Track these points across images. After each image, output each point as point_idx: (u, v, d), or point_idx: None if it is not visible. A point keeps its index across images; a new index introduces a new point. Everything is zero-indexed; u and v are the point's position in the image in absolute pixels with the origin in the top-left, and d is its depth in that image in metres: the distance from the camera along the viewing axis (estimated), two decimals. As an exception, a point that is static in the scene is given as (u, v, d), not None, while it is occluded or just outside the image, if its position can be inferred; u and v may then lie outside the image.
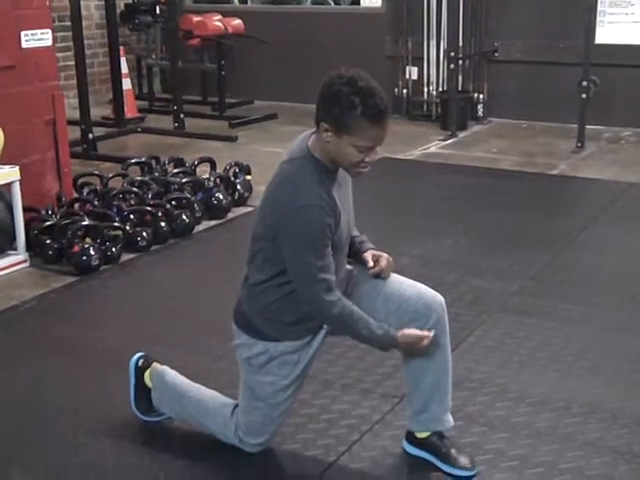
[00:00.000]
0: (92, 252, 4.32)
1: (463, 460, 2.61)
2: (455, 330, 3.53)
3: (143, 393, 2.83)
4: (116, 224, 4.63)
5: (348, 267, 2.60)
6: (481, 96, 8.08)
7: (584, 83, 6.69)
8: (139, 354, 2.90)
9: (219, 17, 8.68)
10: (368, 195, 5.71)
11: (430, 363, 2.55)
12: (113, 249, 4.44)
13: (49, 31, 4.91)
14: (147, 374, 2.84)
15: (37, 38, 4.83)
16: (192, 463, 2.68)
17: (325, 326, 2.54)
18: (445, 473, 2.60)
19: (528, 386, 3.11)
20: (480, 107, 8.08)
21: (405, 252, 4.50)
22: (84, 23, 7.14)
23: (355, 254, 2.60)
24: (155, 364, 2.86)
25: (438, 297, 2.55)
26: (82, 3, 7.05)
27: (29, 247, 4.48)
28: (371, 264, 2.55)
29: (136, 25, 8.73)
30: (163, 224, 4.76)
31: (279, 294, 2.46)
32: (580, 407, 2.95)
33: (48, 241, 4.46)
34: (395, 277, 2.59)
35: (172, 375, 2.80)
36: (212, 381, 2.90)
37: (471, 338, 3.51)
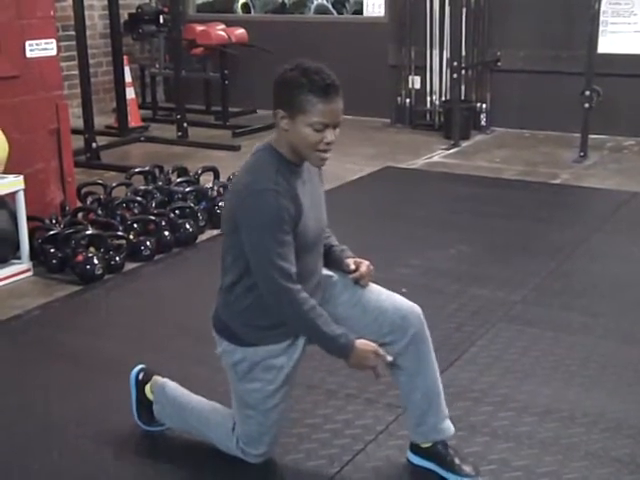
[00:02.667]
0: (96, 261, 4.32)
1: (467, 468, 2.61)
2: (458, 340, 3.58)
3: (145, 405, 2.83)
4: (120, 233, 4.64)
5: (328, 273, 2.60)
6: (484, 105, 8.09)
7: (587, 92, 6.70)
8: (139, 367, 2.90)
9: (222, 26, 8.72)
10: (370, 204, 5.73)
11: (418, 376, 2.56)
12: (117, 258, 4.45)
13: (53, 41, 4.93)
14: (148, 387, 2.83)
15: (41, 48, 4.84)
16: (195, 473, 2.68)
17: None
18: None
19: (531, 396, 3.11)
20: (483, 116, 8.09)
21: (407, 261, 4.50)
22: (88, 33, 7.18)
23: (335, 262, 2.61)
24: (155, 377, 2.85)
25: (415, 309, 2.56)
26: (86, 13, 7.09)
27: (33, 256, 4.48)
28: (353, 267, 2.56)
29: (140, 34, 8.76)
30: (167, 233, 4.77)
31: (251, 298, 2.45)
32: (584, 417, 2.95)
33: (52, 250, 4.47)
34: (374, 288, 2.60)
35: (173, 388, 2.80)
36: (214, 391, 2.89)
37: (474, 348, 3.51)
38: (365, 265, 2.58)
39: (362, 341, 2.41)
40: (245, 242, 2.36)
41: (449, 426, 2.64)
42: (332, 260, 2.61)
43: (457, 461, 2.61)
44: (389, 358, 2.44)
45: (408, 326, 2.51)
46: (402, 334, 2.50)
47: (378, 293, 2.58)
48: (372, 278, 2.59)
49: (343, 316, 2.53)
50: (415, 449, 2.68)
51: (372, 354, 2.41)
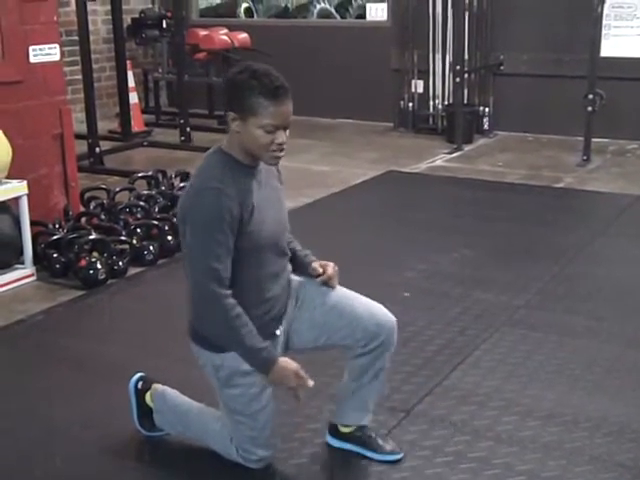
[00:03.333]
0: (99, 266, 4.33)
1: (389, 446, 2.72)
2: (461, 344, 3.57)
3: (146, 413, 2.83)
4: (123, 238, 4.64)
5: (299, 279, 2.63)
6: (487, 109, 8.09)
7: (590, 96, 6.70)
8: (137, 376, 2.89)
9: (225, 31, 8.73)
10: (374, 208, 5.73)
11: (370, 370, 2.62)
12: (120, 263, 4.45)
13: (57, 46, 4.94)
14: (148, 396, 2.83)
15: (45, 53, 4.85)
16: (197, 478, 2.67)
17: (278, 332, 2.55)
18: (373, 460, 2.70)
19: (535, 400, 3.10)
20: (486, 120, 8.09)
21: (411, 265, 4.50)
22: (91, 37, 7.18)
23: (300, 266, 2.63)
24: (155, 385, 2.85)
25: (390, 316, 2.60)
26: (89, 18, 7.09)
27: (36, 261, 4.49)
28: (320, 271, 2.59)
29: (143, 39, 8.78)
30: (170, 238, 4.77)
31: None
32: (587, 421, 2.94)
33: (55, 255, 4.47)
34: (350, 294, 2.63)
35: (173, 396, 2.80)
36: (216, 397, 2.89)
37: (477, 352, 3.50)
38: (331, 267, 2.61)
39: (285, 359, 2.43)
40: (185, 239, 2.39)
41: (370, 417, 2.74)
42: (297, 265, 2.64)
43: (379, 441, 2.71)
44: (310, 383, 2.42)
45: (380, 332, 2.56)
46: (372, 339, 2.55)
47: (354, 299, 2.61)
48: (338, 278, 2.63)
49: (319, 320, 2.58)
50: (334, 433, 2.76)
51: (292, 374, 2.41)
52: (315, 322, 2.58)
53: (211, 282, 2.34)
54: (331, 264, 2.63)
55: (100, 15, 8.94)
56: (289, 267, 2.61)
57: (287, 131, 2.38)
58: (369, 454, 2.72)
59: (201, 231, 2.34)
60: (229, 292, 2.38)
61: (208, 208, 2.33)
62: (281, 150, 2.38)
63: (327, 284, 2.60)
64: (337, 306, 2.57)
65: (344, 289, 2.64)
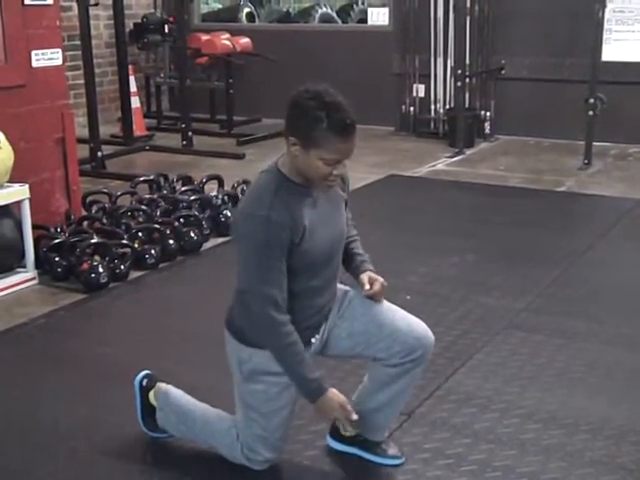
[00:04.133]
0: (101, 269, 4.34)
1: (392, 450, 2.72)
2: (462, 347, 3.58)
3: (149, 412, 2.83)
4: (124, 242, 4.65)
5: (344, 288, 2.63)
6: (488, 113, 8.10)
7: (591, 100, 6.71)
8: (143, 373, 2.90)
9: (227, 36, 8.75)
10: (375, 212, 5.73)
11: (398, 383, 2.58)
12: (122, 266, 4.46)
13: (59, 50, 4.95)
14: (152, 394, 2.83)
15: (47, 57, 4.87)
16: (200, 480, 2.69)
17: (314, 340, 2.55)
18: (376, 464, 2.71)
19: (536, 403, 3.11)
20: (487, 124, 8.10)
21: (412, 269, 4.50)
22: (93, 42, 7.20)
23: (354, 272, 2.62)
24: (159, 384, 2.86)
25: (429, 333, 2.58)
26: (91, 22, 7.11)
27: (38, 265, 4.50)
28: (367, 287, 2.56)
29: (145, 44, 8.79)
30: (171, 241, 4.78)
31: None
32: (588, 424, 2.95)
33: (57, 259, 4.48)
34: (391, 307, 2.61)
35: (177, 395, 2.80)
36: (220, 398, 2.90)
37: (478, 355, 3.51)
38: (379, 283, 2.57)
39: (333, 391, 2.43)
40: (238, 264, 2.40)
41: (384, 435, 2.75)
42: (352, 268, 2.62)
43: (382, 445, 2.71)
44: (354, 417, 2.44)
45: (417, 347, 2.53)
46: (409, 353, 2.52)
47: (394, 312, 2.59)
48: (385, 294, 2.60)
49: (359, 330, 2.56)
50: (337, 436, 2.76)
51: (338, 407, 2.42)
52: (354, 332, 2.57)
53: (267, 307, 2.35)
54: (380, 279, 2.58)
55: (102, 20, 8.96)
56: (338, 277, 2.59)
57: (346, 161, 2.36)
58: (371, 458, 2.73)
59: (251, 258, 2.34)
60: (286, 318, 2.39)
61: (253, 235, 2.32)
62: (336, 180, 2.37)
63: (371, 298, 2.58)
64: (377, 318, 2.55)
65: (387, 302, 2.61)
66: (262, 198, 2.34)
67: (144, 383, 2.87)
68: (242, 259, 2.38)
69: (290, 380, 2.45)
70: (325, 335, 2.58)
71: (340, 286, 2.63)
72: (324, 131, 2.25)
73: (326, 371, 3.20)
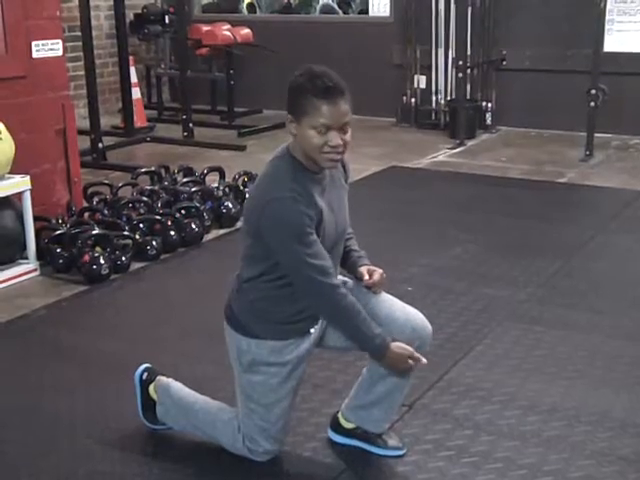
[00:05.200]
0: (102, 261, 4.34)
1: (392, 441, 2.73)
2: (464, 338, 3.58)
3: (150, 405, 2.83)
4: (126, 233, 4.65)
5: (342, 278, 2.62)
6: (489, 104, 8.09)
7: (592, 91, 6.70)
8: (143, 367, 2.90)
9: (228, 26, 8.73)
10: (376, 203, 5.73)
11: (394, 375, 2.57)
12: (123, 258, 4.46)
13: (59, 41, 4.94)
14: (152, 387, 2.83)
15: (48, 48, 4.86)
16: (201, 472, 2.68)
17: (312, 330, 2.54)
18: (378, 455, 2.71)
19: (537, 394, 3.11)
20: (488, 115, 8.09)
21: (414, 261, 4.50)
22: (94, 33, 7.19)
23: (351, 267, 2.63)
24: (160, 377, 2.85)
25: (426, 323, 2.58)
26: (92, 13, 7.10)
27: (39, 256, 4.50)
28: (366, 277, 2.57)
29: (145, 35, 8.78)
30: (172, 233, 4.78)
31: (265, 292, 2.47)
32: (589, 416, 2.95)
33: (58, 250, 4.48)
34: (388, 297, 2.61)
35: (177, 388, 2.80)
36: (222, 390, 2.91)
37: (480, 346, 3.51)
38: (378, 274, 2.59)
39: (398, 344, 2.44)
40: (273, 248, 2.39)
41: (385, 427, 2.75)
42: (348, 264, 2.63)
43: (383, 436, 2.72)
44: (424, 360, 2.48)
45: (415, 337, 2.53)
46: (407, 344, 2.51)
47: (391, 302, 2.60)
48: (385, 285, 2.61)
49: None
50: (337, 429, 2.77)
51: (407, 358, 2.45)
52: None
53: (318, 276, 2.37)
54: (379, 270, 2.60)
55: (103, 10, 8.95)
56: (338, 268, 2.59)
57: (347, 134, 2.35)
58: (372, 449, 2.73)
59: (289, 241, 2.34)
60: (338, 281, 2.42)
61: (287, 217, 2.33)
62: (337, 153, 2.36)
63: (371, 290, 2.58)
64: (375, 309, 2.54)
65: (385, 294, 2.62)
66: (283, 182, 2.37)
67: (144, 377, 2.87)
68: (280, 245, 2.37)
69: (354, 341, 2.47)
70: (324, 325, 2.59)
71: (339, 277, 2.62)
72: (309, 98, 2.31)
73: (326, 362, 3.22)
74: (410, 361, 2.45)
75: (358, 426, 2.73)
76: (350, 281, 2.62)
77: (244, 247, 2.51)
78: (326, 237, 2.42)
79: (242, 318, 2.52)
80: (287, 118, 2.38)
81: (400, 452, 2.72)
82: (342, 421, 2.76)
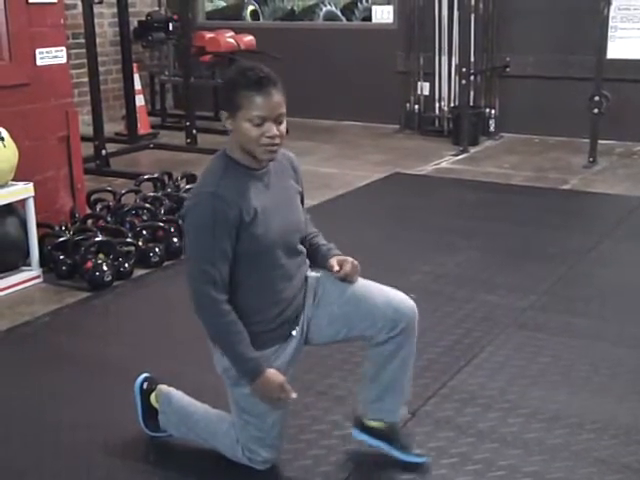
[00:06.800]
0: (105, 268, 4.34)
1: (416, 449, 2.69)
2: (467, 346, 3.57)
3: (151, 414, 2.83)
4: (129, 240, 4.65)
5: (314, 274, 2.61)
6: (493, 111, 8.09)
7: (596, 98, 6.69)
8: (143, 376, 2.90)
9: (231, 34, 8.75)
10: (379, 210, 5.73)
11: (394, 360, 2.56)
12: (126, 265, 4.46)
13: (63, 49, 4.96)
14: (153, 397, 2.83)
15: (52, 56, 4.87)
16: (202, 479, 2.68)
17: (294, 333, 2.54)
18: (398, 459, 2.67)
19: (540, 402, 3.10)
20: (492, 122, 8.09)
21: (417, 267, 4.50)
22: (98, 40, 7.21)
23: (322, 261, 2.61)
24: (160, 386, 2.85)
25: (408, 302, 2.57)
26: (96, 20, 7.12)
27: (43, 263, 4.50)
28: (337, 268, 2.55)
29: (149, 42, 8.81)
30: (175, 240, 4.78)
31: (234, 303, 2.43)
32: (593, 423, 2.94)
33: (61, 257, 4.49)
34: (364, 282, 2.59)
35: (178, 398, 2.79)
36: (224, 397, 2.89)
37: (483, 354, 3.50)
38: (349, 263, 2.56)
39: (272, 371, 2.42)
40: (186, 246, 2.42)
41: (404, 411, 2.69)
42: (319, 259, 2.62)
43: (403, 440, 2.68)
44: (293, 395, 2.44)
45: (400, 317, 2.52)
46: (393, 325, 2.51)
47: (369, 288, 2.57)
48: (358, 274, 2.58)
49: (337, 314, 2.55)
50: (362, 427, 2.72)
51: (277, 387, 2.41)
52: (333, 317, 2.55)
53: (205, 285, 2.36)
54: (350, 259, 2.57)
55: (107, 18, 8.97)
56: (304, 266, 2.58)
57: (282, 125, 2.36)
58: (395, 453, 2.68)
59: (194, 235, 2.37)
60: (224, 297, 2.39)
61: (201, 212, 2.34)
62: (274, 144, 2.35)
63: (346, 280, 2.56)
64: (353, 298, 2.53)
65: (362, 280, 2.59)
66: (209, 178, 2.40)
67: (144, 386, 2.87)
68: (187, 237, 2.41)
69: (229, 360, 2.44)
70: (305, 326, 2.57)
71: (311, 274, 2.61)
72: (242, 90, 2.32)
73: (328, 370, 3.21)
74: (279, 391, 2.41)
75: (377, 420, 2.67)
76: (322, 275, 2.59)
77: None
78: (270, 233, 2.40)
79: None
80: (221, 115, 2.39)
81: (421, 460, 2.68)
82: (364, 420, 2.71)
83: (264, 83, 2.32)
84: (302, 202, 2.63)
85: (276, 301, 2.48)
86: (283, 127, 2.37)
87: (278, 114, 2.34)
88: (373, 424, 2.69)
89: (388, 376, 2.60)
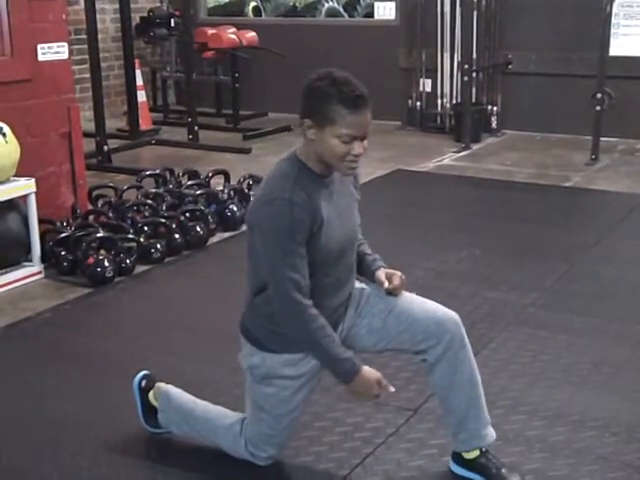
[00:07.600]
0: (106, 264, 4.34)
1: (514, 477, 2.56)
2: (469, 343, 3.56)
3: (151, 412, 2.83)
4: (130, 236, 4.65)
5: (360, 285, 2.60)
6: (495, 108, 8.08)
7: (598, 95, 6.68)
8: (141, 374, 2.90)
9: (233, 30, 8.74)
10: (382, 207, 5.72)
11: (455, 382, 2.52)
12: (127, 261, 4.46)
13: (65, 44, 4.95)
14: (152, 394, 2.83)
15: (53, 51, 4.86)
16: (204, 475, 2.68)
17: None
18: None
19: (542, 399, 3.10)
20: (494, 119, 8.08)
21: (419, 264, 4.49)
22: (100, 36, 7.20)
23: (367, 272, 2.59)
24: (158, 384, 2.84)
25: (451, 314, 2.53)
26: (98, 16, 7.11)
27: (44, 259, 4.50)
28: (386, 283, 2.52)
29: (151, 38, 8.79)
30: (177, 236, 4.78)
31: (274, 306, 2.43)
32: (595, 421, 2.93)
33: (63, 253, 4.48)
34: (407, 295, 2.57)
35: (177, 395, 2.79)
36: (226, 394, 2.90)
37: (485, 351, 3.49)
38: (397, 277, 2.54)
39: (367, 369, 2.39)
40: (257, 247, 2.36)
41: (491, 433, 2.59)
42: (363, 267, 2.59)
43: (503, 473, 2.56)
44: (391, 389, 2.42)
45: (443, 332, 2.48)
46: (437, 340, 2.47)
47: (411, 301, 2.56)
48: (404, 287, 2.56)
49: (378, 327, 2.53)
50: (458, 459, 2.63)
51: (375, 383, 2.39)
52: (373, 328, 2.54)
53: (294, 293, 2.31)
54: (398, 273, 2.55)
55: (109, 14, 8.96)
56: (353, 277, 2.56)
57: (365, 142, 2.32)
58: None
59: (274, 242, 2.30)
60: (311, 302, 2.35)
61: (277, 218, 2.28)
62: (357, 161, 2.33)
63: (392, 294, 2.54)
64: (394, 311, 2.51)
65: (406, 293, 2.57)
66: (283, 183, 2.33)
67: (143, 384, 2.86)
68: (263, 246, 2.33)
69: (322, 365, 2.42)
70: (343, 334, 2.54)
71: (356, 284, 2.59)
72: (335, 105, 2.25)
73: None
74: (377, 388, 2.38)
75: (477, 454, 2.58)
76: (368, 287, 2.58)
77: (249, 257, 2.47)
78: (332, 243, 2.38)
79: (256, 333, 2.49)
80: (303, 122, 2.32)
81: None
82: (462, 452, 2.63)
83: (360, 104, 2.27)
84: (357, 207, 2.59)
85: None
86: (366, 143, 2.33)
87: (366, 133, 2.31)
88: (467, 456, 2.60)
89: (459, 400, 2.54)
